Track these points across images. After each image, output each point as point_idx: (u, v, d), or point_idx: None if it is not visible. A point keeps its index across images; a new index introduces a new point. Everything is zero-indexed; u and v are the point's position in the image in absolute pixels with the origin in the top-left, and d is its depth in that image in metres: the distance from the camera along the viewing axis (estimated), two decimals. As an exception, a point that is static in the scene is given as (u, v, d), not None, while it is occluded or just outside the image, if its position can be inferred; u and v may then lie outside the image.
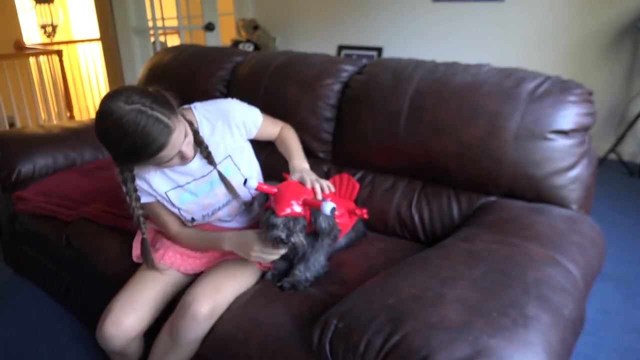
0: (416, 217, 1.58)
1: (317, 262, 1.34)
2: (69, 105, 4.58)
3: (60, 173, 2.13)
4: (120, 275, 1.38)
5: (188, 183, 1.36)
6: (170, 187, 1.35)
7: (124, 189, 1.29)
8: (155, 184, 1.33)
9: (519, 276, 1.02)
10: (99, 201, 1.83)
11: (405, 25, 4.07)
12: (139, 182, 1.31)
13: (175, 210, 1.37)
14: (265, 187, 1.24)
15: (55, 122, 4.49)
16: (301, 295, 1.28)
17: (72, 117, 4.62)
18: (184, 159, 1.24)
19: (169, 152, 1.15)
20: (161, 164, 1.21)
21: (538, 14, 3.52)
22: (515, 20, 3.60)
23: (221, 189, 1.38)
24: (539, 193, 1.40)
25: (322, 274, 1.36)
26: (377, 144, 1.62)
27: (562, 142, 1.36)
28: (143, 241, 1.36)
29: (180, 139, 1.17)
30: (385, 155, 1.63)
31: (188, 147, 1.22)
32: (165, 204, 1.36)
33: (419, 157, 1.54)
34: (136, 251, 1.52)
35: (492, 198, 1.48)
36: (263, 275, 1.40)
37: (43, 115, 4.45)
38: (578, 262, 1.14)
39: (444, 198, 1.55)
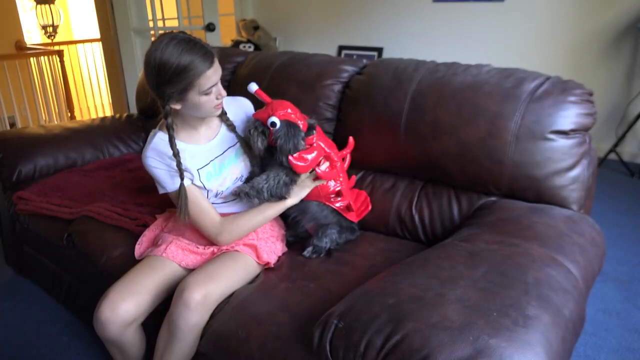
0: (416, 217, 1.58)
1: (276, 174, 1.41)
2: (69, 106, 4.59)
3: (61, 173, 2.13)
4: (121, 274, 1.38)
5: (212, 160, 1.45)
6: (201, 165, 1.44)
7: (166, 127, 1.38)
8: (189, 163, 1.42)
9: (520, 276, 1.02)
10: (102, 201, 1.83)
11: (406, 25, 4.07)
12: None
13: (202, 187, 1.45)
14: (263, 94, 1.46)
15: (56, 122, 4.49)
16: (301, 294, 1.28)
17: (72, 117, 4.63)
18: (219, 99, 1.36)
19: (211, 75, 1.30)
20: (202, 92, 1.31)
21: (538, 14, 3.52)
22: (516, 21, 3.60)
23: (236, 166, 1.49)
24: (539, 193, 1.40)
25: (277, 192, 1.42)
26: (377, 144, 1.62)
27: (562, 142, 1.36)
28: (178, 164, 1.37)
29: (219, 71, 1.33)
30: (385, 156, 1.63)
31: (219, 84, 1.36)
32: (197, 183, 1.43)
33: (419, 157, 1.54)
34: (138, 251, 1.54)
35: (493, 198, 1.48)
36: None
37: (44, 115, 4.46)
38: (578, 262, 1.15)
39: (444, 198, 1.55)
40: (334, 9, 4.39)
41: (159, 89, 1.31)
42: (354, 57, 4.28)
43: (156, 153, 1.38)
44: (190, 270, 1.42)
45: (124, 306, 1.30)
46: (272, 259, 1.45)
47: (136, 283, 1.34)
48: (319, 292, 1.29)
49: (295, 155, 1.37)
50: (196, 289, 1.24)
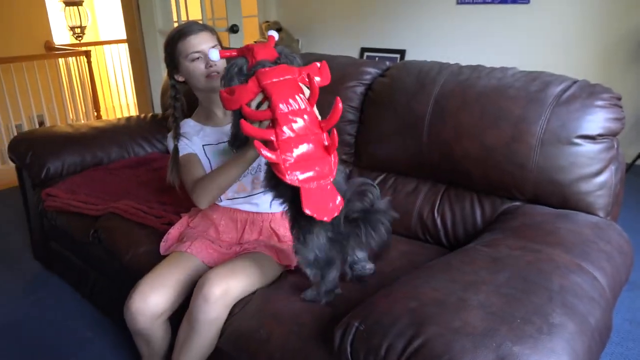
0: (438, 221, 1.57)
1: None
2: (96, 105, 4.68)
3: (88, 171, 2.18)
4: (146, 271, 1.41)
5: (222, 142, 1.54)
6: (208, 142, 1.55)
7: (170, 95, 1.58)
8: (195, 141, 1.54)
9: (544, 283, 1.01)
10: (127, 199, 1.87)
11: (429, 27, 4.05)
12: (181, 140, 1.53)
13: (207, 165, 1.52)
14: (227, 52, 1.30)
15: (82, 121, 4.58)
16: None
17: (99, 116, 4.71)
18: (210, 69, 1.48)
19: (196, 43, 1.47)
20: (188, 58, 1.48)
21: (565, 17, 3.46)
22: (542, 23, 3.55)
23: None
24: (564, 199, 1.38)
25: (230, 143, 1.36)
26: (399, 146, 1.62)
27: (589, 147, 1.34)
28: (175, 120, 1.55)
29: (209, 40, 1.50)
30: (407, 158, 1.62)
31: (214, 56, 1.32)
32: (201, 157, 1.52)
33: (442, 160, 1.53)
34: (164, 247, 1.57)
35: (516, 203, 1.46)
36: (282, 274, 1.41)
37: (71, 114, 4.56)
38: (605, 270, 1.12)
39: (467, 202, 1.54)
40: (356, 11, 4.39)
41: (165, 61, 1.55)
42: (376, 59, 4.27)
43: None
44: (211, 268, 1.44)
45: (154, 298, 1.33)
46: (292, 261, 1.45)
47: (165, 276, 1.37)
48: (340, 294, 1.29)
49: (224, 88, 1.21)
50: (217, 283, 1.26)
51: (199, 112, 1.63)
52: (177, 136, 1.53)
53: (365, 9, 4.33)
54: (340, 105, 1.12)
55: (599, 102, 1.33)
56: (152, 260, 1.50)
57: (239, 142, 1.33)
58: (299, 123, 1.12)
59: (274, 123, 1.12)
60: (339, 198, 1.13)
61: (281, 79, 1.17)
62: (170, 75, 1.56)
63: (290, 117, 1.12)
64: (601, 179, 1.35)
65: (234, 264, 1.35)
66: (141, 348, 1.46)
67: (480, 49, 3.84)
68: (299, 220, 1.16)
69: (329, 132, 1.14)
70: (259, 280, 1.36)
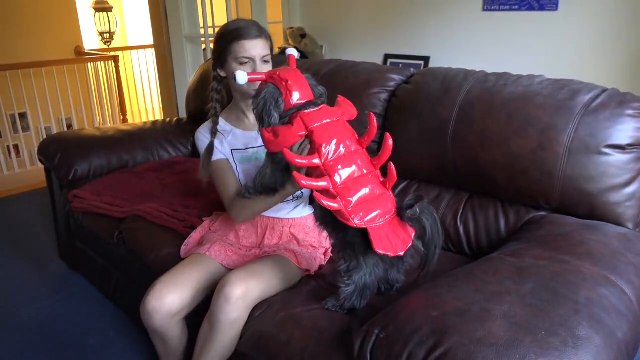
0: (461, 230, 1.56)
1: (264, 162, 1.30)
2: (122, 109, 4.77)
3: (114, 174, 2.22)
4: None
5: (250, 148, 1.54)
6: (237, 147, 1.55)
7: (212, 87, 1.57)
8: (229, 143, 1.55)
9: (570, 295, 0.99)
10: (151, 201, 1.90)
11: (454, 34, 4.02)
12: (215, 141, 1.54)
13: (234, 170, 1.53)
14: (255, 76, 1.24)
15: (109, 124, 4.68)
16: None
17: (125, 120, 4.80)
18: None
19: (249, 48, 1.44)
20: (236, 60, 1.45)
21: (595, 24, 3.40)
22: (570, 30, 3.49)
23: None
24: (592, 209, 1.35)
25: (259, 182, 1.30)
26: (423, 153, 1.61)
27: (618, 157, 1.31)
28: (213, 121, 1.55)
29: (262, 49, 1.46)
30: (431, 165, 1.61)
31: (262, 67, 1.43)
32: (230, 162, 1.53)
33: (466, 167, 1.52)
34: (184, 250, 1.59)
35: (542, 213, 1.44)
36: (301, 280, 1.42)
37: (98, 117, 4.65)
38: (633, 283, 1.10)
39: (491, 211, 1.52)
40: (380, 18, 4.39)
41: (213, 53, 1.52)
42: (400, 65, 4.26)
43: (207, 130, 1.56)
44: (232, 270, 1.45)
45: (169, 297, 1.35)
46: (311, 266, 1.45)
47: (181, 276, 1.39)
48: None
49: (266, 128, 1.17)
50: (237, 284, 1.27)
51: (231, 112, 1.61)
52: (215, 133, 1.53)
53: (389, 15, 4.32)
54: (390, 142, 1.11)
55: (629, 111, 1.31)
56: (175, 262, 1.52)
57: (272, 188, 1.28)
58: (352, 167, 1.11)
59: (326, 169, 1.10)
60: (408, 228, 1.12)
61: (327, 121, 1.15)
62: (214, 67, 1.55)
63: (342, 163, 1.10)
64: (630, 189, 1.32)
65: (254, 266, 1.36)
66: (158, 347, 1.48)
67: (507, 56, 3.80)
68: (355, 246, 1.13)
69: (385, 165, 1.13)
70: (278, 282, 1.36)
